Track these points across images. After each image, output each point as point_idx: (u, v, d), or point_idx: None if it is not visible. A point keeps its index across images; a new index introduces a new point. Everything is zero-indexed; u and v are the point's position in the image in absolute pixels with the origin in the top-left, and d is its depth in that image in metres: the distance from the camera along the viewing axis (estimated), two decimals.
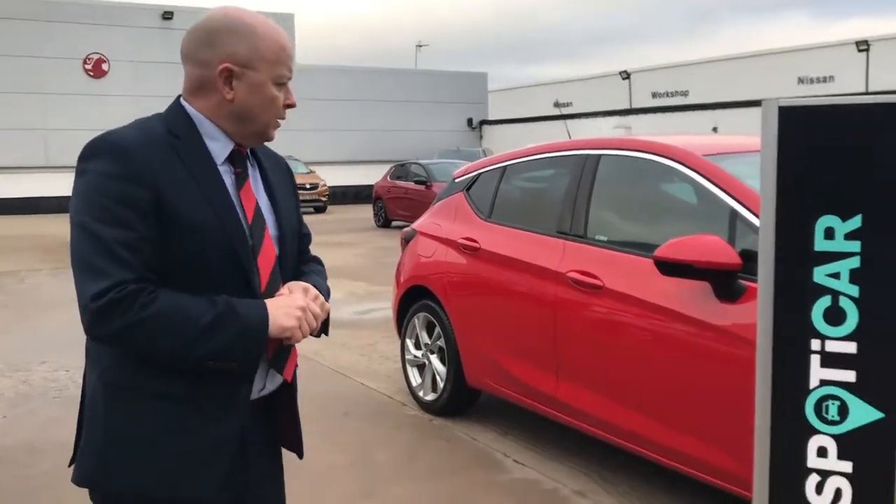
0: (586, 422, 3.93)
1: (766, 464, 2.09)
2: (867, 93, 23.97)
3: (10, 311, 8.89)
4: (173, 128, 1.68)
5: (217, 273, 1.64)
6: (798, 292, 2.02)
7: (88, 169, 1.60)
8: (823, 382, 2.01)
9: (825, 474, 2.03)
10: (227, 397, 1.68)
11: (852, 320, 1.98)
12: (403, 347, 5.35)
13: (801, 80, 29.84)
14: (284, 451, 1.95)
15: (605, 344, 3.76)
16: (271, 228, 1.76)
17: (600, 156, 4.16)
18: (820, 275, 2.00)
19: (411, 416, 5.05)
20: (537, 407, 4.26)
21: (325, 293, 1.83)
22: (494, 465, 4.27)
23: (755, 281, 2.24)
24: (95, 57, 27.38)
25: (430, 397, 5.06)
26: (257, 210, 1.73)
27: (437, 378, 5.01)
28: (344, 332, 7.40)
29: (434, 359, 5.07)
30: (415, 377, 5.24)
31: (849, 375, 1.99)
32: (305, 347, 6.26)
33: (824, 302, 2.00)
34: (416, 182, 18.98)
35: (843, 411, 2.00)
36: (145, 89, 25.35)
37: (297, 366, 1.86)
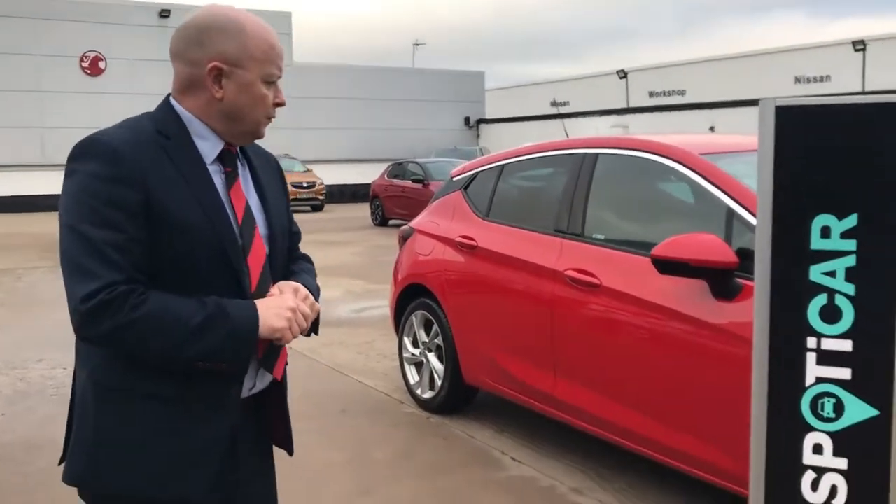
0: (583, 419, 3.94)
1: (763, 461, 2.10)
2: (864, 92, 24.01)
3: (7, 308, 8.88)
4: (163, 127, 1.67)
5: (207, 273, 1.64)
6: (794, 290, 2.04)
7: (77, 170, 1.60)
8: (819, 380, 2.03)
9: (821, 471, 2.04)
10: (216, 398, 1.67)
11: (848, 318, 2.00)
12: (401, 345, 5.36)
13: (797, 80, 29.91)
14: (277, 450, 1.95)
15: (602, 342, 3.77)
16: (261, 227, 1.76)
17: (598, 155, 4.17)
18: (816, 273, 2.02)
19: (409, 414, 5.05)
20: (534, 405, 4.27)
21: (315, 292, 1.83)
22: (492, 462, 4.27)
23: (752, 279, 2.26)
24: (92, 55, 27.36)
25: (427, 395, 5.07)
26: (247, 209, 1.72)
27: (435, 376, 5.02)
28: (341, 330, 7.40)
29: (432, 357, 5.07)
30: (412, 375, 5.25)
31: (844, 373, 2.01)
32: (302, 345, 6.29)
33: (820, 300, 2.02)
34: (414, 180, 18.99)
35: (839, 409, 2.02)
36: (142, 87, 25.27)
37: (287, 364, 1.86)
